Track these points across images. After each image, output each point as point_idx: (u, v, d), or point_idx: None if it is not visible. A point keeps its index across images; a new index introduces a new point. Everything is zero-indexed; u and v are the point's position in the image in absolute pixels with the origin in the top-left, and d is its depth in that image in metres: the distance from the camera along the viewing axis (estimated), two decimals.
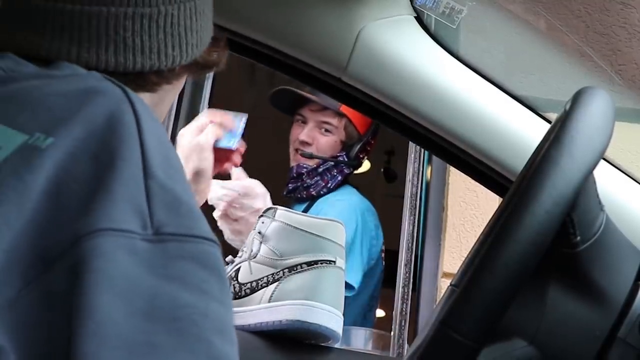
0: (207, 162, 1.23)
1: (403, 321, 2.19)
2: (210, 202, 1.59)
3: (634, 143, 1.58)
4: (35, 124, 0.53)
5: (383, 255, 2.35)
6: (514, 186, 0.81)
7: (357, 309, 2.23)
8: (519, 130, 1.08)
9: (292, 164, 2.28)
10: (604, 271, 0.75)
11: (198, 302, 0.48)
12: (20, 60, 0.63)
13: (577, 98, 0.72)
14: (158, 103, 0.76)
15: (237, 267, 1.12)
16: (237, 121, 1.29)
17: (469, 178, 1.19)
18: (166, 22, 0.69)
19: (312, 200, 2.26)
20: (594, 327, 0.73)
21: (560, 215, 0.66)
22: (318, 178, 2.24)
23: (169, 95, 0.78)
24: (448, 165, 2.18)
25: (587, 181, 0.69)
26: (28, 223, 0.48)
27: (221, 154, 1.27)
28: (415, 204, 2.32)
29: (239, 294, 1.09)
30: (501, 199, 0.97)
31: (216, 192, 1.59)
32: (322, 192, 2.25)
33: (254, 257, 1.10)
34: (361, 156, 2.32)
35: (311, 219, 1.10)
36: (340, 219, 1.13)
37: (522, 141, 1.07)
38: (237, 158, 1.30)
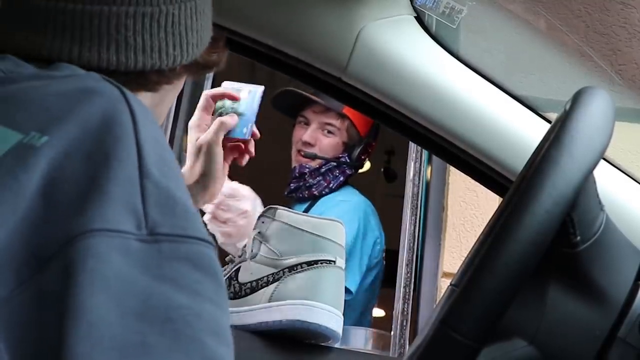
0: (215, 162, 1.11)
1: (404, 321, 2.19)
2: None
3: (634, 143, 1.58)
4: (31, 123, 0.53)
5: (383, 255, 2.35)
6: (514, 186, 0.81)
7: (357, 309, 2.24)
8: (519, 130, 1.08)
9: (294, 164, 2.30)
10: (604, 271, 0.75)
11: (192, 303, 0.48)
12: (20, 61, 0.63)
13: (577, 98, 0.72)
14: (159, 103, 0.76)
15: (237, 267, 1.12)
16: (251, 97, 1.15)
17: (469, 178, 1.19)
18: (167, 22, 0.69)
19: (313, 200, 2.28)
20: (594, 327, 0.73)
21: (560, 215, 0.66)
22: (320, 178, 2.26)
23: (170, 95, 0.78)
24: (448, 165, 2.18)
25: (587, 181, 0.69)
26: (22, 221, 0.48)
27: (234, 146, 1.16)
28: (417, 204, 2.32)
29: (239, 293, 1.09)
30: (501, 199, 0.97)
31: None
32: (324, 192, 2.27)
33: (254, 257, 1.10)
34: (363, 157, 2.35)
35: (311, 219, 1.10)
36: (343, 220, 1.13)
37: (522, 141, 1.07)
38: (252, 146, 1.17)
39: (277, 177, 2.26)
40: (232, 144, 1.15)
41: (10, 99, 0.56)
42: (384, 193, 4.19)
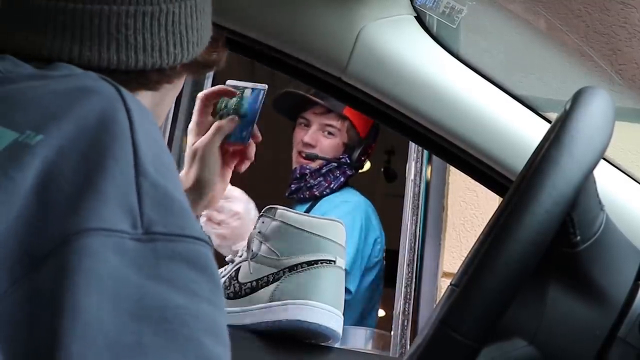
0: (210, 168, 1.06)
1: (406, 321, 2.19)
2: None
3: (634, 143, 1.58)
4: (26, 122, 0.53)
5: (383, 254, 2.36)
6: (514, 186, 0.81)
7: (358, 309, 2.24)
8: (519, 130, 1.08)
9: (295, 165, 2.31)
10: (604, 271, 0.75)
11: (188, 303, 0.47)
12: (19, 62, 0.63)
13: (577, 98, 0.72)
14: (159, 102, 0.76)
15: (237, 266, 1.12)
16: (254, 97, 1.08)
17: (469, 178, 1.19)
18: (167, 20, 0.69)
19: (314, 200, 2.30)
20: (594, 327, 0.73)
21: (560, 215, 0.66)
22: (321, 179, 2.28)
23: (170, 94, 0.78)
24: (448, 165, 2.18)
25: (587, 181, 0.69)
26: (16, 220, 0.48)
27: (236, 150, 1.10)
28: (418, 204, 2.33)
29: (239, 293, 1.09)
30: (501, 199, 0.97)
31: None
32: (325, 193, 2.30)
33: (254, 257, 1.10)
34: (362, 158, 2.38)
35: (311, 219, 1.10)
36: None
37: (522, 141, 1.07)
38: (252, 151, 1.11)
39: (277, 177, 2.27)
40: (234, 148, 1.10)
41: (8, 99, 0.56)
42: (384, 193, 4.19)
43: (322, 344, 1.08)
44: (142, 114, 0.56)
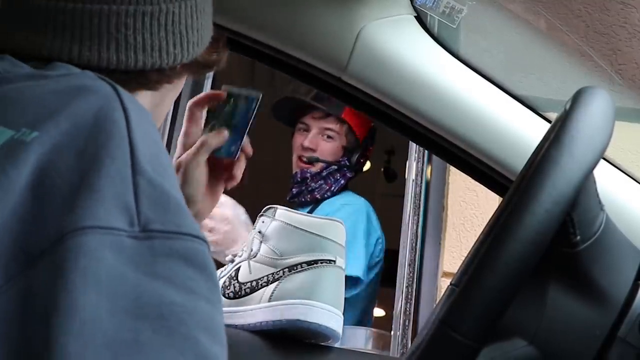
0: (192, 185, 0.98)
1: (407, 321, 2.20)
2: None
3: (634, 143, 1.58)
4: (23, 120, 0.53)
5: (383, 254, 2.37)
6: (514, 186, 0.81)
7: (358, 308, 2.25)
8: (519, 130, 1.08)
9: (295, 170, 2.34)
10: (604, 271, 0.75)
11: (185, 301, 0.47)
12: (17, 61, 0.63)
13: (577, 98, 0.72)
14: (159, 103, 0.76)
15: (237, 266, 1.12)
16: (247, 107, 1.00)
17: (469, 178, 1.19)
18: (167, 20, 0.69)
19: (315, 203, 2.34)
20: (594, 327, 0.73)
21: (560, 215, 0.66)
22: (322, 182, 2.33)
23: (170, 94, 0.78)
24: (448, 165, 2.18)
25: (587, 180, 0.69)
26: (11, 217, 0.48)
27: (223, 166, 1.03)
28: (418, 204, 2.34)
29: (239, 293, 1.09)
30: (501, 199, 0.97)
31: None
32: (325, 196, 2.33)
33: (254, 257, 1.10)
34: (362, 161, 2.42)
35: (311, 219, 1.10)
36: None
37: (522, 141, 1.07)
38: (240, 168, 1.02)
39: (277, 178, 2.28)
40: (221, 164, 1.02)
41: (5, 99, 0.56)
42: (384, 193, 4.19)
43: (322, 344, 1.08)
44: (139, 113, 0.56)
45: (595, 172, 0.71)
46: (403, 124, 1.13)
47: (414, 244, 2.30)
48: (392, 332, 2.20)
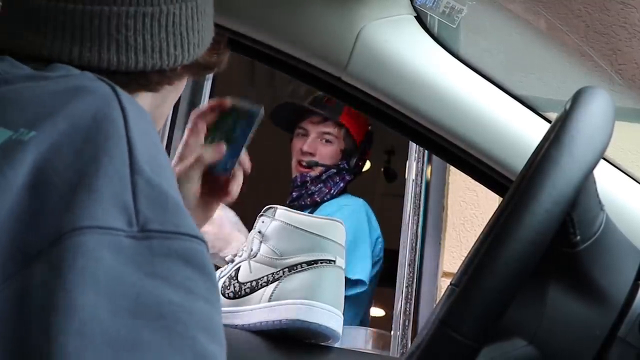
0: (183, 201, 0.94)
1: (407, 321, 2.20)
2: None
3: (634, 143, 1.58)
4: (21, 121, 0.53)
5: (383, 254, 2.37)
6: (514, 186, 0.81)
7: (358, 308, 2.25)
8: (519, 130, 1.08)
9: (295, 174, 2.37)
10: (604, 271, 0.75)
11: (184, 301, 0.47)
12: (16, 62, 0.63)
13: (577, 98, 0.72)
14: (160, 104, 0.76)
15: (237, 266, 1.12)
16: (249, 121, 0.98)
17: (469, 178, 1.19)
18: (168, 21, 0.69)
19: (315, 206, 2.36)
20: (594, 327, 0.73)
21: (560, 215, 0.66)
22: (322, 185, 2.35)
23: (171, 96, 0.78)
24: (448, 164, 2.18)
25: (587, 180, 0.69)
26: (8, 216, 0.48)
27: (219, 182, 0.99)
28: (418, 204, 2.35)
29: (239, 293, 1.09)
30: (501, 199, 0.97)
31: None
32: (325, 199, 2.36)
33: (254, 257, 1.10)
34: (360, 164, 2.45)
35: (311, 219, 1.10)
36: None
37: (522, 141, 1.07)
38: (237, 184, 0.99)
39: (277, 178, 2.28)
40: (216, 180, 0.98)
41: (4, 100, 0.56)
42: (384, 193, 4.19)
43: (322, 343, 1.08)
44: (138, 113, 0.56)
45: (595, 172, 0.71)
46: (403, 124, 1.13)
47: (414, 244, 2.31)
48: (392, 332, 2.20)
